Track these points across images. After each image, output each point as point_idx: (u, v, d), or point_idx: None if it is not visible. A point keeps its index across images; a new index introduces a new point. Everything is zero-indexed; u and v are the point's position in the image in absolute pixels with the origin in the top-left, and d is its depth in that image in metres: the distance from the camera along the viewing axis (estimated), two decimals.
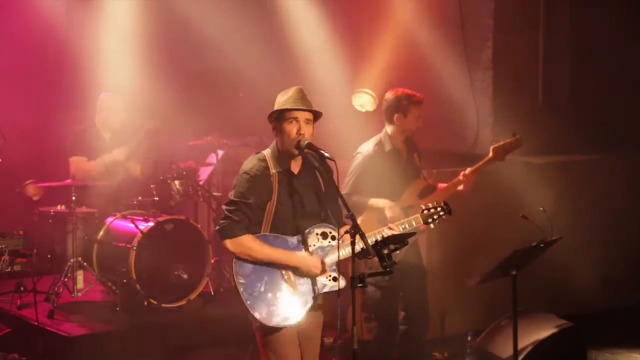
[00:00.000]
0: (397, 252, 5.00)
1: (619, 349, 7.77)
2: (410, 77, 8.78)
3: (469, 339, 7.04)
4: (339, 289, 5.01)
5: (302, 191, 5.04)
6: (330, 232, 5.05)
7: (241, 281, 4.90)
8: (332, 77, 9.17)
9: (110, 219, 8.15)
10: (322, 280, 5.01)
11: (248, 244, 4.91)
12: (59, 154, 8.50)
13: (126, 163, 8.28)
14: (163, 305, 7.79)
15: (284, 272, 4.97)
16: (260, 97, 7.31)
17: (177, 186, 8.29)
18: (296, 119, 4.97)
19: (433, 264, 7.46)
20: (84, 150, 8.36)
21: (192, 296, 7.97)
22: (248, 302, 4.89)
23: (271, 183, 4.95)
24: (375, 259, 4.83)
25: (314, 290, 5.00)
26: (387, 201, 6.42)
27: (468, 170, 6.72)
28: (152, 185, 8.23)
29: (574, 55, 9.46)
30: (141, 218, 8.00)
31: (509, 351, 6.29)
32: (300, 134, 4.96)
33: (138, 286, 7.69)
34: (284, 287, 4.96)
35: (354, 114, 8.97)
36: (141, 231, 7.76)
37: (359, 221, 4.86)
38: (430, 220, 5.30)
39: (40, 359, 7.23)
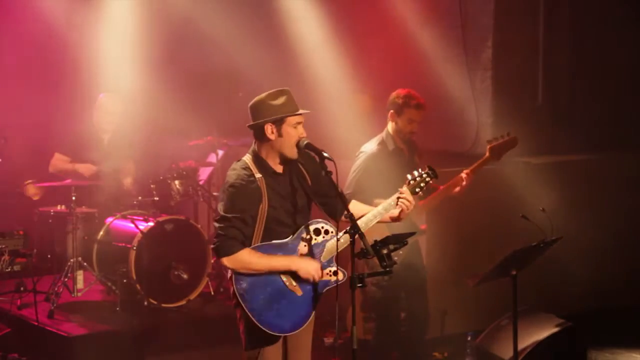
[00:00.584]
0: (399, 251, 5.00)
1: (619, 349, 7.77)
2: (410, 77, 8.78)
3: (469, 339, 7.04)
4: (338, 283, 4.99)
5: (290, 189, 5.03)
6: (323, 227, 5.04)
7: (245, 295, 4.86)
8: (332, 77, 9.17)
9: (110, 219, 8.15)
10: (323, 278, 5.01)
11: (246, 258, 4.88)
12: None
13: (114, 175, 8.28)
14: (163, 305, 7.79)
15: (284, 278, 4.95)
16: None
17: (177, 186, 8.29)
18: (301, 123, 4.97)
19: (433, 264, 7.45)
20: (81, 151, 8.36)
21: (192, 296, 7.97)
22: (256, 318, 4.85)
23: (259, 189, 4.92)
24: (375, 259, 4.82)
25: (316, 289, 4.99)
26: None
27: (465, 171, 6.73)
28: (152, 185, 8.23)
29: (574, 55, 9.45)
30: (141, 218, 8.00)
31: (509, 351, 6.29)
32: (301, 136, 4.97)
33: (138, 286, 7.70)
34: (288, 294, 4.95)
35: (354, 114, 8.97)
36: (141, 231, 7.76)
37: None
38: (417, 189, 5.23)
39: (40, 359, 7.23)
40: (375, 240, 4.87)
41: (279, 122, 4.95)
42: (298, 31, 9.45)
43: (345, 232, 4.89)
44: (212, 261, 8.03)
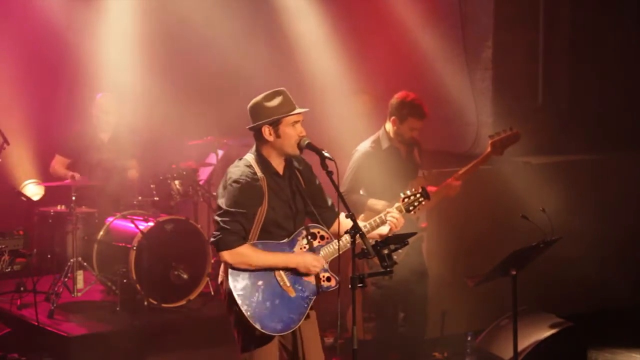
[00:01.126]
0: (399, 251, 5.00)
1: (619, 349, 7.77)
2: (410, 76, 8.79)
3: (469, 339, 7.04)
4: (330, 289, 5.00)
5: (289, 192, 5.04)
6: (319, 232, 5.05)
7: (239, 294, 4.86)
8: (332, 77, 9.17)
9: (110, 219, 8.15)
10: (316, 282, 5.01)
11: (247, 253, 4.88)
12: None
13: (115, 174, 8.29)
14: (163, 305, 7.79)
15: (278, 278, 4.96)
16: None
17: (177, 186, 8.29)
18: (298, 121, 4.97)
19: (433, 264, 7.45)
20: (82, 151, 8.37)
21: (192, 296, 7.97)
22: (248, 314, 4.84)
23: (261, 188, 4.93)
24: (376, 259, 4.82)
25: (309, 292, 4.99)
26: (386, 203, 6.41)
27: (463, 169, 6.73)
28: (152, 185, 8.23)
29: (574, 55, 9.45)
30: (141, 218, 8.00)
31: (509, 351, 6.29)
32: (301, 135, 4.97)
33: (138, 286, 7.70)
34: (281, 293, 4.95)
35: (354, 114, 8.96)
36: (141, 231, 7.76)
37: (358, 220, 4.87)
38: (411, 207, 5.25)
39: (40, 359, 7.23)
40: (376, 241, 4.87)
41: (275, 124, 4.95)
42: (298, 31, 9.45)
43: (346, 233, 4.89)
44: (212, 261, 8.04)
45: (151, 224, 7.87)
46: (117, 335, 7.31)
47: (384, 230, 5.12)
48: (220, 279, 5.02)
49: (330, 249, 5.02)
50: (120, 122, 8.51)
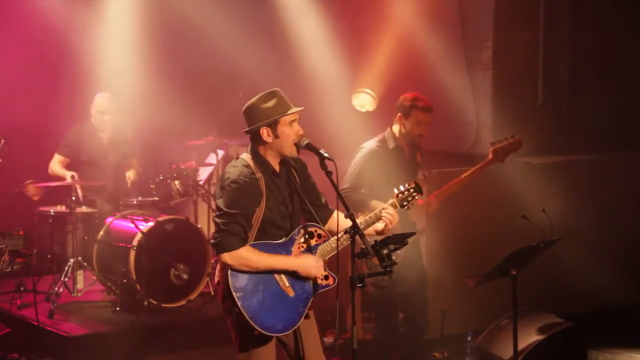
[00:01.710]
0: (398, 252, 5.00)
1: (619, 349, 7.76)
2: (410, 77, 8.78)
3: (469, 339, 7.04)
4: (328, 288, 5.00)
5: (285, 191, 5.04)
6: (316, 231, 5.05)
7: (239, 295, 4.85)
8: (332, 77, 9.17)
9: (110, 219, 8.15)
10: (314, 281, 5.01)
11: (247, 255, 4.86)
12: None
13: (114, 174, 8.29)
14: (163, 305, 7.80)
15: (277, 278, 4.95)
16: None
17: (177, 186, 8.30)
18: (295, 120, 4.97)
19: (433, 264, 7.45)
20: (81, 151, 8.37)
21: (192, 296, 7.98)
22: (248, 315, 4.83)
23: (260, 188, 4.93)
24: (375, 259, 4.82)
25: (308, 292, 4.99)
26: None
27: (465, 173, 6.73)
28: (152, 185, 8.23)
29: (574, 55, 9.45)
30: (141, 218, 8.00)
31: (509, 351, 6.29)
32: (299, 135, 4.97)
33: (138, 286, 7.70)
34: (280, 293, 4.95)
35: (353, 114, 8.97)
36: (141, 231, 7.77)
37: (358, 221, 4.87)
38: (405, 203, 5.26)
39: (40, 359, 7.23)
40: (376, 240, 4.87)
41: (273, 124, 4.95)
42: (298, 31, 9.45)
43: (345, 232, 4.89)
44: (212, 261, 8.03)
45: (151, 224, 7.87)
46: (117, 335, 7.32)
47: (379, 226, 5.12)
48: (216, 279, 5.01)
49: (328, 247, 5.02)
50: (120, 121, 8.52)
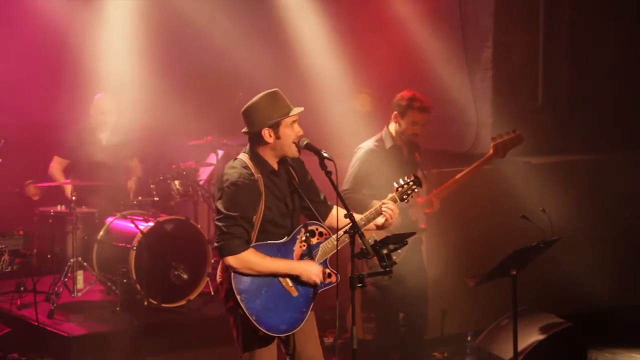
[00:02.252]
0: (398, 252, 5.00)
1: (619, 349, 7.77)
2: (410, 77, 8.78)
3: (469, 339, 7.04)
4: (331, 285, 5.00)
5: (285, 190, 5.04)
6: (317, 229, 5.05)
7: (243, 297, 4.85)
8: (332, 77, 9.17)
9: (110, 219, 8.15)
10: None
11: (251, 258, 4.85)
12: None
13: (113, 174, 8.30)
14: (163, 305, 7.80)
15: (281, 278, 4.95)
16: None
17: (177, 186, 8.30)
18: (296, 121, 4.98)
19: (433, 264, 7.45)
20: (80, 152, 8.37)
21: (192, 296, 7.98)
22: (253, 317, 4.83)
23: (259, 189, 4.92)
24: (375, 258, 4.82)
25: (311, 290, 5.00)
26: None
27: (465, 171, 6.72)
28: (152, 185, 8.23)
29: (574, 55, 9.45)
30: (141, 218, 8.00)
31: (509, 351, 6.29)
32: (299, 135, 4.97)
33: (138, 286, 7.70)
34: (284, 293, 4.95)
35: (353, 114, 8.96)
36: (141, 231, 7.77)
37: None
38: (405, 196, 5.27)
39: (40, 359, 7.23)
40: (375, 240, 4.87)
41: (275, 126, 4.95)
42: (298, 31, 9.45)
43: (344, 232, 4.89)
44: (212, 261, 8.03)
45: (151, 224, 7.87)
46: (117, 335, 7.31)
47: (379, 220, 5.12)
48: (219, 279, 5.01)
49: (330, 245, 5.02)
50: (119, 122, 8.52)
